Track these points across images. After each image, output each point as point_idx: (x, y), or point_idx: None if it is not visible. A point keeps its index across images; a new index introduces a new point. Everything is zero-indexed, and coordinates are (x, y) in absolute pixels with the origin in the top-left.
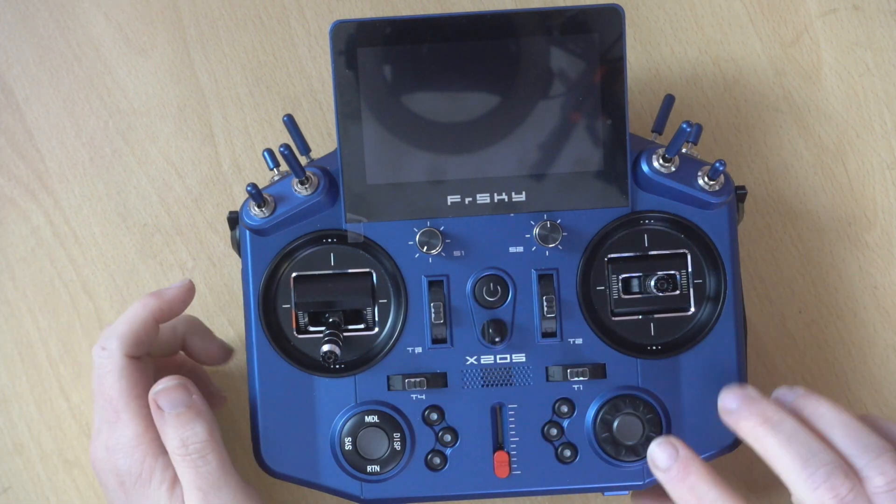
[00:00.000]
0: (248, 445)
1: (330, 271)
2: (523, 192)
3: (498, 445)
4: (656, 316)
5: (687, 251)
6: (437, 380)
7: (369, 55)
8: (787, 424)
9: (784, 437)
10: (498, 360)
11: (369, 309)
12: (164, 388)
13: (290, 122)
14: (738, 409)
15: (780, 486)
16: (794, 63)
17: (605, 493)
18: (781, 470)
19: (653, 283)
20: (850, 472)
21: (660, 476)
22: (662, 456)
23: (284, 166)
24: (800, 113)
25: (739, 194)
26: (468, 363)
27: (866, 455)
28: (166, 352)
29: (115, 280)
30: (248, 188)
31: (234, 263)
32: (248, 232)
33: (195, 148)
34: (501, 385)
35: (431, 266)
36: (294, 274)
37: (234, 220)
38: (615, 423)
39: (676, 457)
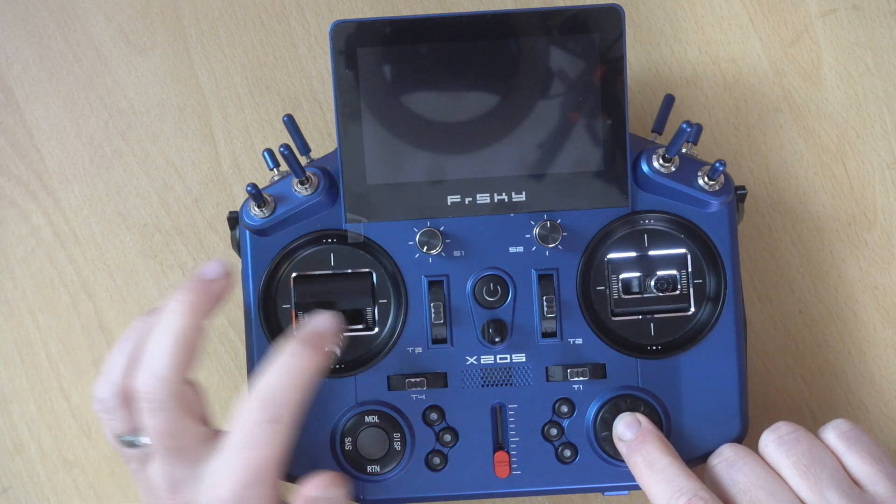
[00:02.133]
0: None
1: (330, 271)
2: (523, 192)
3: (498, 445)
4: (656, 316)
5: (687, 251)
6: (437, 380)
7: (369, 55)
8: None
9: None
10: (498, 360)
11: (369, 309)
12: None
13: (290, 122)
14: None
15: None
16: (794, 63)
17: (605, 493)
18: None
19: (653, 283)
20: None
21: (620, 447)
22: (624, 428)
23: (284, 166)
24: (800, 113)
25: (739, 194)
26: (468, 363)
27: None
28: None
29: (115, 280)
30: (248, 188)
31: (234, 263)
32: (248, 232)
33: (195, 148)
34: (501, 385)
35: (431, 266)
36: (294, 274)
37: (234, 220)
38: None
39: (638, 429)
